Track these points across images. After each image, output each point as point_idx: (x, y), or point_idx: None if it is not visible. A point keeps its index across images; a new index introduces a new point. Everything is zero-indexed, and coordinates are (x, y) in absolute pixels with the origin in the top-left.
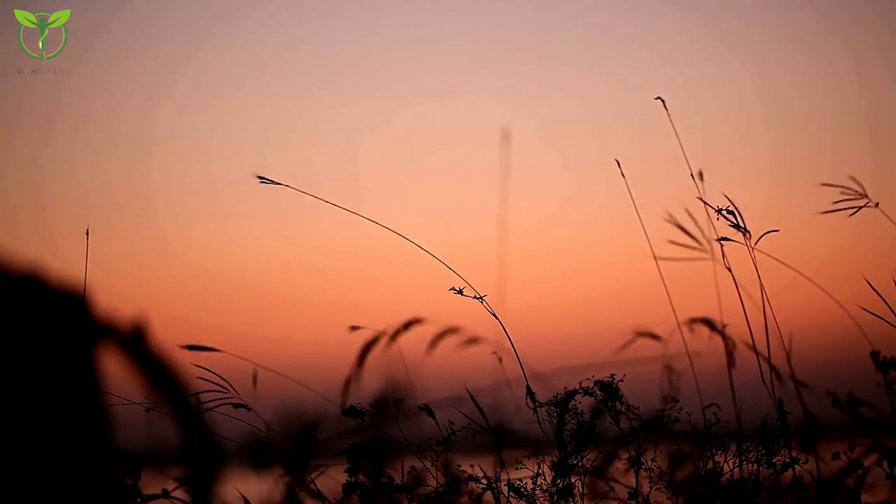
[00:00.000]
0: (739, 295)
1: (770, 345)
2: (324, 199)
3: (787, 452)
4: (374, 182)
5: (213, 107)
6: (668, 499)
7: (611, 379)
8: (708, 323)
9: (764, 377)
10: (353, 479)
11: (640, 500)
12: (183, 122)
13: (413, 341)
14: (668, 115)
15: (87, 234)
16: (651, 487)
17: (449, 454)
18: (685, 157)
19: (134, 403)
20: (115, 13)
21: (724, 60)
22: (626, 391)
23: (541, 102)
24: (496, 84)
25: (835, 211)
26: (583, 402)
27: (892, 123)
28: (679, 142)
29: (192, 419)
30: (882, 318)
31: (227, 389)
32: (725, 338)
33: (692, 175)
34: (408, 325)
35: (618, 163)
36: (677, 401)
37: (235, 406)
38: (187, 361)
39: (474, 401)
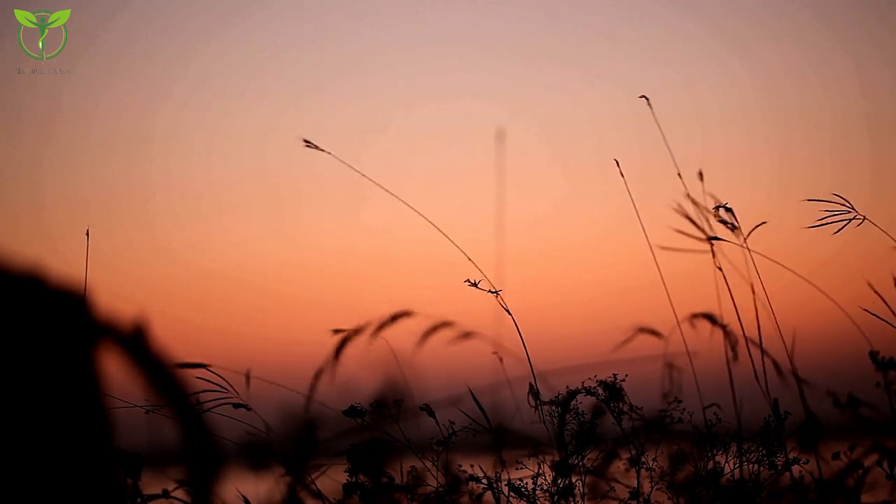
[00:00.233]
0: (730, 293)
1: (763, 341)
2: (368, 177)
3: (783, 453)
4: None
5: (214, 107)
6: (668, 499)
7: (613, 379)
8: (709, 318)
9: (758, 376)
10: (353, 479)
11: (640, 500)
12: (183, 123)
13: (411, 339)
14: (653, 113)
15: (88, 234)
16: (652, 487)
17: (449, 454)
18: (671, 155)
19: (135, 407)
20: (115, 13)
21: (723, 60)
22: (627, 390)
23: (540, 103)
24: (496, 84)
25: (820, 226)
26: (583, 402)
27: (892, 123)
28: (665, 140)
29: (192, 419)
30: (882, 319)
31: (227, 389)
32: (727, 332)
33: (679, 175)
34: (395, 318)
35: (617, 163)
36: (680, 401)
37: (236, 406)
38: (190, 360)
39: (476, 400)
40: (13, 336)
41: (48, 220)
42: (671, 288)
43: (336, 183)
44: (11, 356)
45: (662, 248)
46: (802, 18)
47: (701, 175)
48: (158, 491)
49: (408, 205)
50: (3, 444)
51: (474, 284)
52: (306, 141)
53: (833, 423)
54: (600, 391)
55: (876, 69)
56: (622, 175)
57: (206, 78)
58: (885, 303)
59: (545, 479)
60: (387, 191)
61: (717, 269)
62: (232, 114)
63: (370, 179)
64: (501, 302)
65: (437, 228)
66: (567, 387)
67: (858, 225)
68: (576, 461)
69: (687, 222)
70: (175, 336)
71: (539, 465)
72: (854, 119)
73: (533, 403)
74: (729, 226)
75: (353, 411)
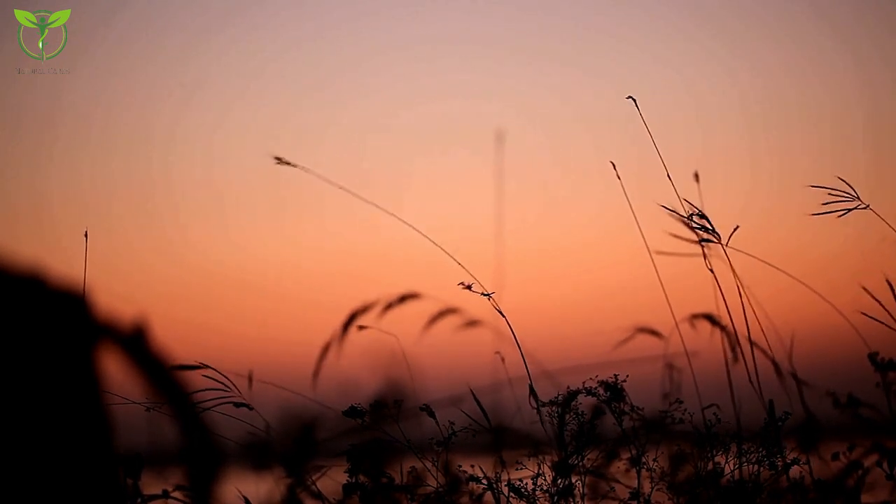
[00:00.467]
0: (722, 294)
1: (756, 342)
2: (340, 186)
3: (782, 454)
4: (373, 183)
5: (213, 107)
6: (668, 499)
7: (614, 379)
8: (709, 318)
9: (751, 378)
10: (353, 480)
11: (640, 500)
12: (183, 123)
13: (411, 336)
14: (641, 115)
15: (86, 235)
16: (652, 488)
17: (449, 454)
18: (661, 158)
19: (134, 403)
20: (115, 13)
21: (723, 60)
22: (627, 390)
23: (540, 103)
24: (495, 85)
25: (825, 213)
26: (583, 402)
27: (892, 123)
28: (654, 142)
29: (192, 419)
30: (880, 321)
31: (228, 388)
32: (728, 333)
33: (669, 177)
34: (403, 299)
35: (613, 165)
36: (681, 402)
37: (237, 405)
38: (191, 359)
39: (477, 400)
40: (13, 336)
41: (48, 220)
42: (670, 289)
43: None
44: (11, 356)
45: (658, 252)
46: (802, 18)
47: (697, 177)
48: (158, 491)
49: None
50: (4, 445)
51: (468, 287)
52: (277, 158)
53: (833, 423)
54: (601, 391)
55: (876, 69)
56: (618, 177)
57: (206, 78)
58: (882, 305)
59: (545, 480)
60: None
61: (710, 272)
62: (232, 114)
63: (354, 194)
64: (494, 304)
65: (423, 235)
66: (567, 387)
67: (864, 208)
68: (576, 461)
69: (681, 225)
70: (175, 336)
71: (539, 465)
72: (854, 119)
73: (534, 405)
74: (709, 231)
75: (353, 411)
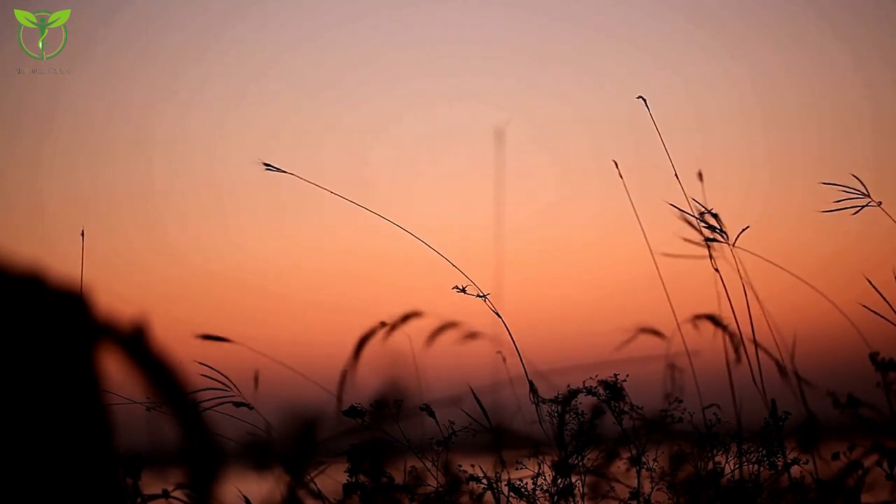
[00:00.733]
0: (727, 293)
1: (761, 342)
2: (329, 190)
3: (781, 455)
4: (373, 183)
5: (214, 107)
6: (668, 499)
7: (614, 378)
8: (712, 319)
9: (755, 377)
10: (353, 479)
11: (640, 500)
12: (183, 123)
13: (412, 337)
14: (651, 114)
15: (83, 235)
16: (652, 487)
17: (449, 454)
18: (669, 158)
19: (134, 402)
20: (115, 13)
21: (722, 60)
22: (628, 390)
23: (539, 103)
24: (495, 85)
25: (836, 210)
26: (584, 402)
27: (893, 123)
28: (662, 142)
29: (193, 419)
30: (884, 318)
31: (228, 388)
32: (730, 333)
33: (676, 176)
34: (406, 318)
35: (615, 163)
36: (681, 401)
37: (237, 405)
38: (191, 359)
39: (477, 400)
40: (13, 336)
41: (47, 220)
42: (672, 289)
43: (336, 184)
44: (11, 356)
45: (664, 254)
46: (802, 18)
47: (700, 176)
48: (158, 491)
49: (374, 212)
50: (4, 445)
51: (462, 290)
52: (266, 164)
53: (833, 423)
54: (601, 391)
55: (876, 69)
56: (621, 176)
57: (207, 78)
58: (886, 300)
59: (545, 479)
60: (353, 202)
61: (715, 271)
62: (232, 114)
63: (347, 199)
64: (490, 305)
65: (418, 238)
66: (568, 386)
67: (877, 205)
68: (576, 461)
69: (686, 226)
70: (175, 336)
71: (539, 465)
72: (855, 119)
73: (534, 402)
74: (717, 230)
75: (353, 411)
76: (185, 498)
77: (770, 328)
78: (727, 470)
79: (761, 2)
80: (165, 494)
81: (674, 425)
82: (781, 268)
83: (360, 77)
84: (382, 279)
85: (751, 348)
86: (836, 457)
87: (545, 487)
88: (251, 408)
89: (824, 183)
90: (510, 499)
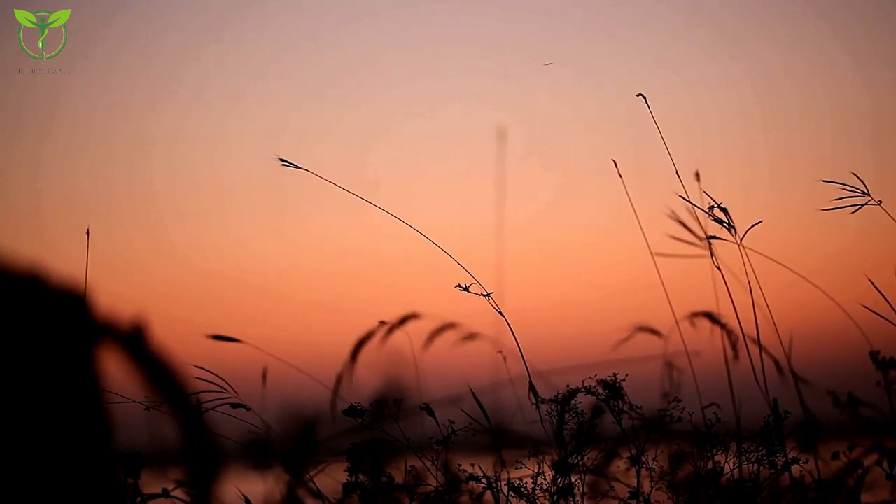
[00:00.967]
0: (729, 292)
1: (762, 340)
2: (342, 187)
3: (783, 454)
4: (374, 182)
5: (214, 107)
6: (668, 499)
7: (613, 378)
8: (710, 317)
9: (757, 377)
10: (353, 479)
11: (640, 499)
12: (183, 123)
13: (412, 338)
14: (651, 112)
15: (88, 233)
16: (652, 487)
17: (449, 454)
18: (670, 155)
19: (134, 403)
20: (115, 13)
21: (722, 60)
22: (627, 389)
23: (539, 103)
24: (494, 85)
25: (836, 208)
26: (583, 401)
27: (893, 122)
28: (663, 139)
29: (192, 419)
30: (884, 318)
31: (226, 389)
32: (728, 331)
33: (677, 174)
34: (404, 320)
35: (615, 163)
36: (680, 401)
37: (234, 406)
38: (191, 359)
39: (477, 400)
40: (13, 336)
41: (48, 220)
42: (670, 288)
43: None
44: (11, 356)
45: (659, 254)
46: (802, 18)
47: (697, 175)
48: (158, 490)
49: (383, 209)
50: (4, 444)
51: (465, 289)
52: (283, 160)
53: (833, 423)
54: (600, 390)
55: (876, 69)
56: (620, 175)
57: (207, 78)
58: (886, 299)
59: (545, 479)
60: (364, 199)
61: (716, 269)
62: (232, 114)
63: (356, 195)
64: (493, 304)
65: (423, 235)
66: (567, 385)
67: (877, 203)
68: (576, 460)
69: (679, 226)
70: (175, 336)
71: (539, 464)
72: (855, 119)
73: (534, 402)
74: (725, 225)
75: (353, 411)
76: (185, 497)
77: (769, 326)
78: (727, 469)
79: (761, 2)
80: (165, 494)
81: (673, 425)
82: (787, 267)
83: (361, 77)
84: (382, 279)
85: (753, 348)
86: (835, 456)
87: (545, 487)
88: (248, 409)
89: (824, 181)
90: (510, 498)
